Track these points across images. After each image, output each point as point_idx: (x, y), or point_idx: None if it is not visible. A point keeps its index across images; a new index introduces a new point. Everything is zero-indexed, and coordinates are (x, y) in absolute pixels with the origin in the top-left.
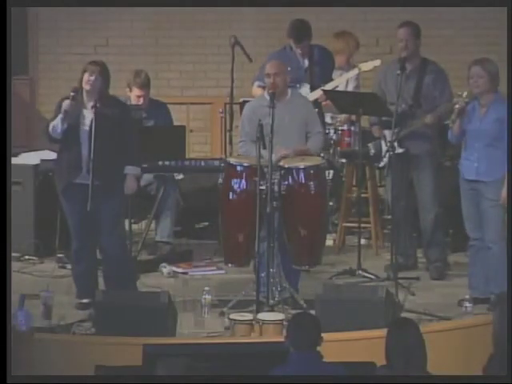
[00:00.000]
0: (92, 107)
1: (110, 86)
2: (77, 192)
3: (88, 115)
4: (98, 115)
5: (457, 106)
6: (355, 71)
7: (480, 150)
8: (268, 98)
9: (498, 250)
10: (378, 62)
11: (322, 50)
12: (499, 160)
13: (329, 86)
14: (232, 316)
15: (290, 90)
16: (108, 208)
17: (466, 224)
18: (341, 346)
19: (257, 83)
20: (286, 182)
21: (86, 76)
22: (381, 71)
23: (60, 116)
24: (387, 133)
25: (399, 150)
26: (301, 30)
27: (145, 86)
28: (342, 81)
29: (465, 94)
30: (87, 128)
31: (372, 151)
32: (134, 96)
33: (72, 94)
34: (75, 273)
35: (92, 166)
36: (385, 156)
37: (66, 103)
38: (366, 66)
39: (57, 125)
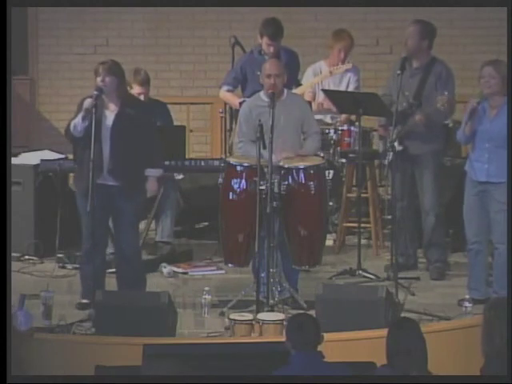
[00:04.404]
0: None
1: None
2: (97, 192)
3: (109, 116)
4: (119, 116)
5: (468, 107)
6: (327, 74)
7: (491, 151)
8: (264, 97)
9: (505, 251)
10: (349, 66)
11: (288, 51)
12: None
13: (301, 89)
14: (232, 316)
15: (285, 90)
16: (128, 209)
17: (466, 226)
18: (341, 346)
19: (225, 87)
20: (286, 182)
21: (97, 79)
22: (393, 68)
23: (81, 114)
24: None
25: (398, 148)
26: (277, 27)
27: (145, 83)
28: (315, 82)
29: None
30: (108, 129)
31: (380, 148)
32: (135, 94)
33: (95, 92)
34: (84, 273)
35: (112, 167)
36: (385, 155)
37: (87, 102)
38: (338, 69)
39: (78, 123)
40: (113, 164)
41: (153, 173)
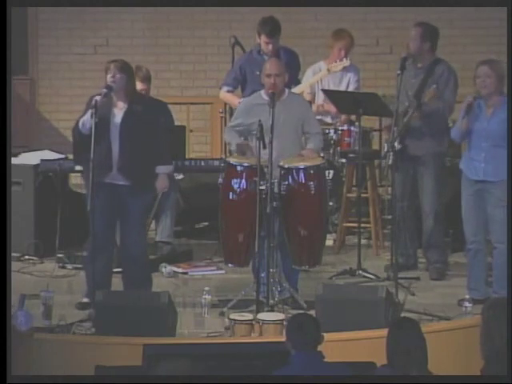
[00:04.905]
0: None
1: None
2: (106, 191)
3: (118, 113)
4: (128, 113)
5: (464, 103)
6: (325, 72)
7: (487, 150)
8: (265, 96)
9: (505, 250)
10: (347, 63)
11: (288, 51)
12: (506, 160)
13: (299, 88)
14: (232, 316)
15: (286, 90)
16: (136, 208)
17: (465, 225)
18: (341, 346)
19: (225, 88)
20: (286, 182)
21: (107, 76)
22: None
23: (89, 111)
24: None
25: (398, 147)
26: (274, 24)
27: (146, 79)
28: (314, 81)
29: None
30: (117, 126)
31: (384, 149)
32: None
33: (104, 90)
34: (91, 272)
35: (121, 165)
36: (386, 156)
37: (96, 99)
38: (336, 66)
39: (86, 120)
40: (122, 162)
41: (163, 170)
